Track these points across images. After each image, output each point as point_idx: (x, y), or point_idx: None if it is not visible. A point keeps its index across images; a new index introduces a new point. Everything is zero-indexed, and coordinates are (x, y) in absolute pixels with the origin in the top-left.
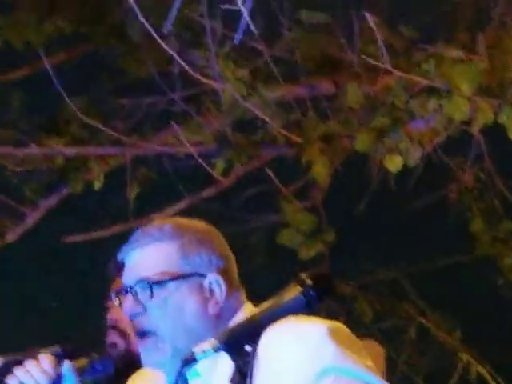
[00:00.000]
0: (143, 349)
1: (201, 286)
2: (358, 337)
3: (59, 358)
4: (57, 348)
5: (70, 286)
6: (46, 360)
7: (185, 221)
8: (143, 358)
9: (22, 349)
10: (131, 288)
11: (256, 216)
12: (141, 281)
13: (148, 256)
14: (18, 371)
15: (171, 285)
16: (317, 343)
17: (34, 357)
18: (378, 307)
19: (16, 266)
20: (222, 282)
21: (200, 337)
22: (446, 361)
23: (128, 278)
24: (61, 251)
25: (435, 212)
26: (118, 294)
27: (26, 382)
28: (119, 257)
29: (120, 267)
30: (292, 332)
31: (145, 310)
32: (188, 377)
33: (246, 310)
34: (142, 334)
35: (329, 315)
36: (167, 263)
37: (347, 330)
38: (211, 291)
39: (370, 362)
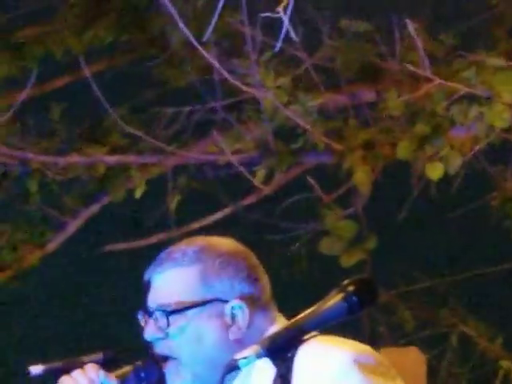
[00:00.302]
0: (166, 372)
1: (222, 313)
2: (398, 345)
3: (102, 366)
4: (99, 355)
5: (111, 294)
6: (92, 369)
7: (212, 241)
8: (167, 380)
9: (68, 355)
10: (152, 313)
11: (297, 224)
12: (160, 307)
13: (168, 282)
14: (65, 380)
15: (189, 313)
16: (342, 374)
17: (80, 365)
18: (420, 315)
19: (57, 274)
20: (244, 307)
21: (221, 362)
22: (487, 368)
23: (151, 301)
24: (101, 260)
25: (476, 220)
26: (144, 314)
27: None
28: (146, 276)
29: (147, 286)
30: (319, 358)
31: (165, 335)
32: None
33: (279, 324)
34: (164, 358)
35: (371, 324)
36: (186, 290)
37: (373, 352)
38: (233, 317)
39: (398, 382)
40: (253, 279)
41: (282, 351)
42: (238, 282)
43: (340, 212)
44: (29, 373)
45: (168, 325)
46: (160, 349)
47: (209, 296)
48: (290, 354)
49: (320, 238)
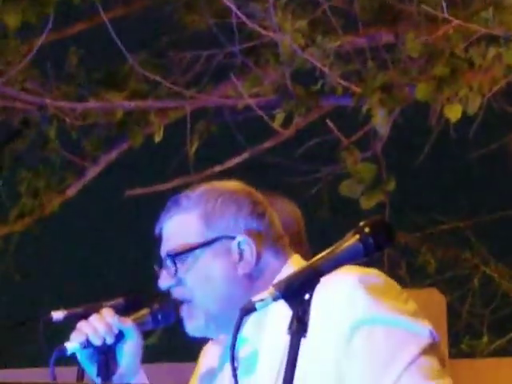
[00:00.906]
0: (183, 316)
1: (228, 250)
2: (421, 287)
3: (123, 311)
4: (120, 300)
5: (131, 239)
6: (108, 313)
7: (216, 183)
8: (184, 325)
9: (90, 301)
10: (164, 262)
11: (317, 167)
12: (167, 255)
13: (174, 228)
14: (83, 325)
15: (196, 254)
16: (348, 296)
17: (97, 310)
18: (442, 257)
19: (78, 220)
20: (251, 242)
21: (233, 300)
22: (509, 309)
23: (162, 251)
24: (122, 205)
25: (496, 160)
26: (158, 265)
27: (91, 336)
28: (156, 229)
29: (159, 239)
30: (327, 284)
31: (177, 281)
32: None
33: (294, 265)
34: (180, 303)
35: (391, 267)
36: (190, 234)
37: (382, 275)
38: (240, 253)
39: (409, 306)
40: (257, 214)
41: (298, 293)
42: (243, 217)
43: (359, 154)
44: (51, 318)
45: (176, 269)
46: (175, 294)
47: (213, 235)
48: (306, 297)
49: (340, 180)
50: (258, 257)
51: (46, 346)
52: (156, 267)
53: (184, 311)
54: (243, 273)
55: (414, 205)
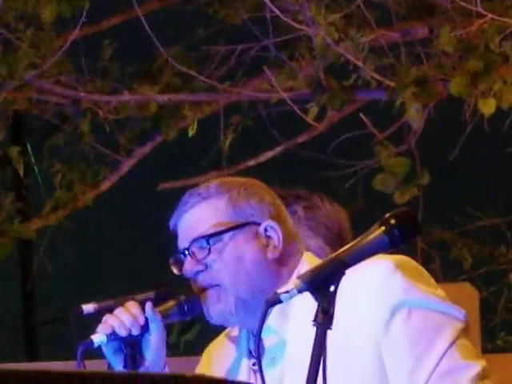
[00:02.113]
0: (206, 302)
1: (256, 234)
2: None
3: (154, 303)
4: (151, 293)
5: (165, 233)
6: (133, 305)
7: (230, 178)
8: (207, 312)
9: (124, 293)
10: (187, 249)
11: (351, 161)
12: (196, 239)
13: (199, 215)
14: (108, 318)
15: (226, 236)
16: (385, 279)
17: (122, 304)
18: (477, 253)
19: (111, 214)
20: (276, 226)
21: (262, 284)
22: None
23: (183, 241)
24: (155, 199)
25: None
26: (175, 259)
27: (116, 327)
28: (171, 225)
29: (175, 234)
30: (361, 271)
31: (205, 266)
32: (263, 335)
33: (308, 261)
34: (205, 289)
35: (425, 261)
36: (219, 216)
37: (414, 262)
38: (267, 238)
39: (439, 291)
40: (277, 205)
41: (323, 285)
42: (266, 206)
43: (393, 149)
44: (82, 311)
45: (209, 250)
46: (201, 281)
47: (241, 219)
48: (331, 289)
49: (374, 174)
50: (284, 243)
51: (78, 339)
52: (172, 262)
53: (211, 295)
54: (272, 257)
55: (449, 200)
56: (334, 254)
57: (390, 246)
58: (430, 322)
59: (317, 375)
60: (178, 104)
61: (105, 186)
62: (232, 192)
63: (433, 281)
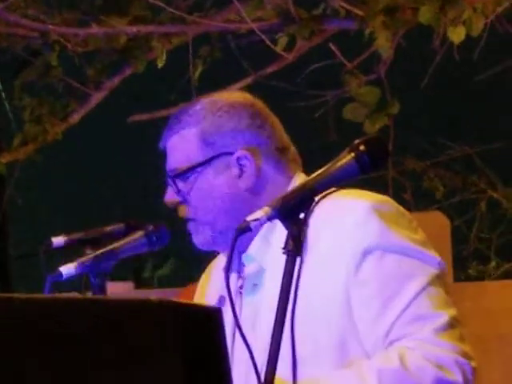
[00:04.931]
0: (190, 232)
1: (228, 165)
2: (426, 211)
3: (122, 235)
4: (120, 225)
5: (134, 165)
6: None
7: (217, 96)
8: (192, 240)
9: (91, 226)
10: (169, 178)
11: (321, 91)
12: (170, 172)
13: (175, 146)
14: None
15: (195, 173)
16: (361, 221)
17: (97, 235)
18: (449, 182)
19: (81, 147)
20: (249, 156)
21: (239, 214)
22: None
23: (167, 166)
24: (125, 131)
25: (502, 84)
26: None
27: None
28: (161, 144)
29: (165, 153)
30: (338, 209)
31: (182, 199)
32: (244, 262)
33: (299, 182)
34: (186, 220)
35: (398, 191)
36: (189, 153)
37: (394, 203)
38: (241, 168)
39: (419, 235)
40: (257, 127)
41: (293, 212)
42: (241, 132)
43: (363, 78)
44: (51, 244)
45: (178, 189)
46: (181, 212)
47: (212, 153)
48: (301, 216)
49: (344, 104)
50: (259, 171)
51: (47, 272)
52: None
53: (190, 228)
54: (245, 187)
55: (420, 129)
56: (303, 181)
57: (360, 172)
58: (402, 267)
59: (287, 304)
60: (147, 36)
61: (74, 119)
62: (206, 122)
63: (414, 224)
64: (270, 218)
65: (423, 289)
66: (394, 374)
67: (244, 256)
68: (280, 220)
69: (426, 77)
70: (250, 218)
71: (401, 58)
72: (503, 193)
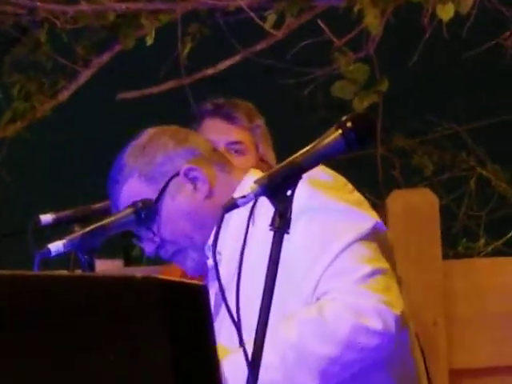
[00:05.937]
0: (180, 264)
1: (180, 185)
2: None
3: (110, 213)
4: (108, 203)
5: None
6: None
7: (134, 141)
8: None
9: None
10: (136, 234)
11: (310, 68)
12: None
13: (128, 200)
14: None
15: (156, 210)
16: (297, 190)
17: (86, 213)
18: (438, 160)
19: (69, 124)
20: (194, 166)
21: (208, 224)
22: (505, 211)
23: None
24: (114, 108)
25: (489, 60)
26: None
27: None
28: (114, 209)
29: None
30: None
31: (160, 240)
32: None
33: (255, 174)
34: (171, 257)
35: (387, 168)
36: (143, 196)
37: (328, 169)
38: (192, 180)
39: (354, 196)
40: (183, 141)
41: (280, 189)
42: (174, 152)
43: (352, 55)
44: (39, 222)
45: (152, 231)
46: (163, 254)
47: (161, 184)
48: (288, 193)
49: (333, 82)
50: (209, 175)
51: (36, 250)
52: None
53: (178, 261)
54: (204, 196)
55: (410, 107)
56: (290, 158)
57: (347, 149)
58: (329, 227)
59: (274, 281)
60: (136, 13)
61: (63, 96)
62: (138, 166)
63: (349, 186)
64: (256, 195)
65: (348, 245)
66: (312, 323)
67: None
68: (267, 197)
69: (415, 54)
70: (236, 195)
71: (390, 36)
72: (492, 170)
